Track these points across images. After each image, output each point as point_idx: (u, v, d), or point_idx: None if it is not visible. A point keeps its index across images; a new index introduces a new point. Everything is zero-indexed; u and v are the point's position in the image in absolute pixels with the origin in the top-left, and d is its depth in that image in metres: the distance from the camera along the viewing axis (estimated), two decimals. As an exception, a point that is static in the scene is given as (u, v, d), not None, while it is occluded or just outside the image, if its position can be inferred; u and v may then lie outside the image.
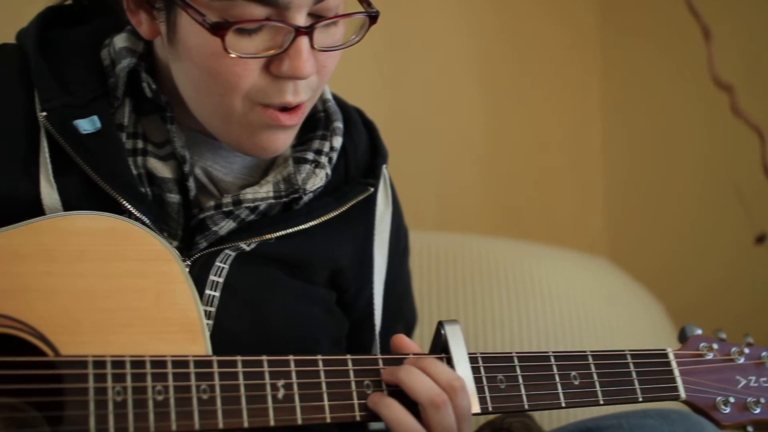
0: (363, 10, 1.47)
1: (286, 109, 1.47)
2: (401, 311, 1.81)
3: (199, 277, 1.49)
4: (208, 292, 1.50)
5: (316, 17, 1.42)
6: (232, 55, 1.37)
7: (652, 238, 3.26)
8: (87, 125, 1.47)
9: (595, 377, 1.54)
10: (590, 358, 1.55)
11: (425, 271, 2.39)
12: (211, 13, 1.37)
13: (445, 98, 3.15)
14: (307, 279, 1.62)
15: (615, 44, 3.29)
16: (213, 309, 1.50)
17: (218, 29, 1.36)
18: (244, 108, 1.45)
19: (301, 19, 1.40)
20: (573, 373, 1.53)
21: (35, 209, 1.43)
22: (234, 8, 1.36)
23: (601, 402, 1.54)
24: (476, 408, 1.45)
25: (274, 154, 1.54)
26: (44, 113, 1.46)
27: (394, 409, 1.39)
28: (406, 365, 1.42)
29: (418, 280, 1.94)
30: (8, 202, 1.43)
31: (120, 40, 1.54)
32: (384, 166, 1.72)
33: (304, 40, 1.40)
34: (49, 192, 1.44)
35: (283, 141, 1.51)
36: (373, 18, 1.46)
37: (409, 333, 1.86)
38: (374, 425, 1.47)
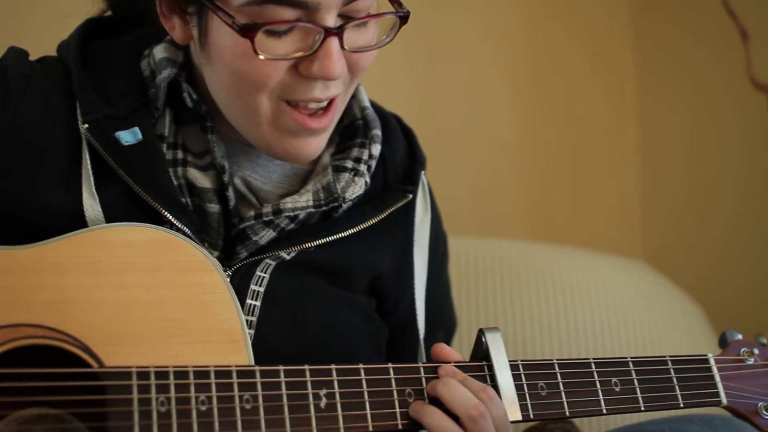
0: (393, 10, 1.46)
1: (315, 113, 1.47)
2: (441, 317, 1.81)
3: (240, 286, 1.50)
4: (248, 301, 1.51)
5: (346, 18, 1.42)
6: (262, 57, 1.38)
7: (690, 240, 3.24)
8: (128, 137, 1.48)
9: (636, 383, 1.54)
10: (631, 365, 1.55)
11: (463, 276, 2.39)
12: (241, 15, 1.37)
13: (477, 102, 3.14)
14: (347, 287, 1.62)
15: (651, 45, 3.28)
16: (254, 318, 1.51)
17: (248, 31, 1.36)
18: (272, 107, 1.45)
19: (331, 20, 1.40)
20: (614, 379, 1.52)
21: (78, 221, 1.44)
22: (264, 11, 1.37)
23: (643, 408, 1.53)
24: (517, 415, 1.45)
25: (307, 159, 1.54)
26: (86, 125, 1.47)
27: (436, 417, 1.39)
28: (445, 378, 1.42)
29: (456, 286, 1.94)
30: (52, 215, 1.44)
31: (159, 51, 1.55)
32: (422, 172, 1.72)
33: (334, 41, 1.40)
34: (91, 204, 1.45)
35: (315, 146, 1.51)
36: (403, 18, 1.46)
37: (448, 339, 1.86)
38: (417, 433, 1.48)
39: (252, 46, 1.37)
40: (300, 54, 1.40)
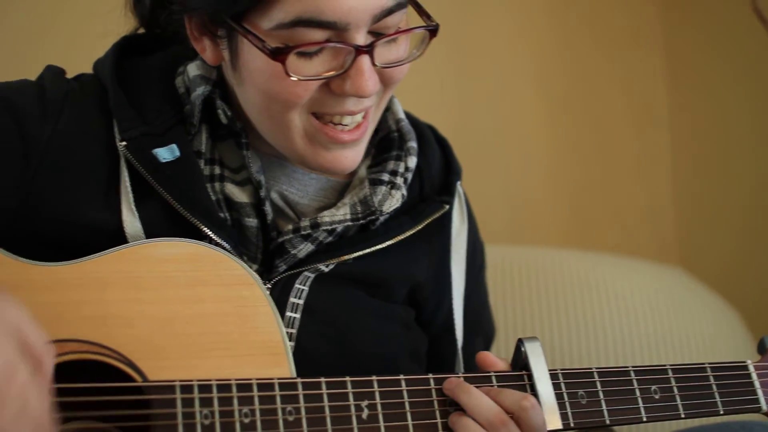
0: (423, 24, 1.47)
1: (345, 125, 1.48)
2: (480, 325, 1.82)
3: (280, 299, 1.51)
4: (288, 314, 1.52)
5: (376, 35, 1.43)
6: (294, 78, 1.39)
7: (724, 244, 3.22)
8: (166, 154, 1.49)
9: (676, 391, 1.53)
10: (670, 372, 1.55)
11: (499, 284, 2.39)
12: (271, 38, 1.39)
13: (509, 110, 3.14)
14: (386, 297, 1.63)
15: (681, 48, 3.27)
16: (294, 330, 1.52)
17: (278, 54, 1.38)
18: (303, 123, 1.47)
19: (361, 38, 1.40)
20: (653, 387, 1.52)
21: (118, 237, 1.45)
22: (294, 33, 1.38)
23: (683, 416, 1.53)
24: (558, 424, 1.45)
25: (344, 172, 1.55)
26: (124, 143, 1.48)
27: (471, 429, 1.40)
28: (467, 386, 1.42)
29: (492, 294, 1.94)
30: (92, 231, 1.45)
31: (193, 68, 1.57)
32: (458, 182, 1.72)
33: (365, 59, 1.41)
34: (131, 220, 1.47)
35: (352, 158, 1.52)
36: (433, 31, 1.47)
37: (488, 346, 1.87)
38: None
39: (284, 69, 1.38)
40: (331, 73, 1.41)
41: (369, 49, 1.41)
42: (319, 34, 1.38)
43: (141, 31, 1.67)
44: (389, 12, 1.40)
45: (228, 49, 1.46)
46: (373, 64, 1.42)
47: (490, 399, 1.41)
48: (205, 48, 1.50)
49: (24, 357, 1.14)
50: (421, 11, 1.48)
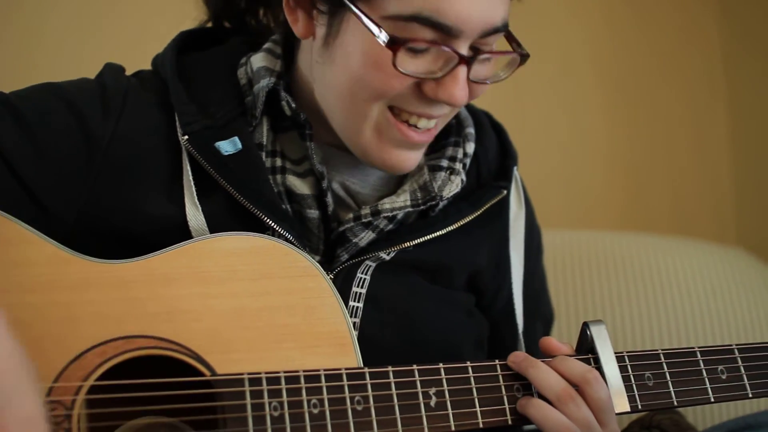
0: (513, 50, 1.50)
1: (418, 127, 1.50)
2: (538, 310, 1.82)
3: (342, 289, 1.52)
4: (351, 303, 1.52)
5: (475, 49, 1.45)
6: (401, 70, 1.40)
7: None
8: (228, 146, 1.50)
9: (743, 371, 1.52)
10: (736, 352, 1.54)
11: (559, 268, 2.38)
12: (383, 26, 1.40)
13: (565, 94, 3.13)
14: (447, 284, 1.63)
15: (737, 26, 3.23)
16: (357, 320, 1.52)
17: (393, 44, 1.39)
18: (379, 116, 1.48)
19: (464, 49, 1.42)
20: (720, 367, 1.51)
21: (182, 231, 1.47)
22: (407, 27, 1.39)
23: (750, 395, 1.52)
24: (626, 406, 1.44)
25: (401, 172, 1.56)
26: (186, 137, 1.49)
27: (540, 408, 1.39)
28: (535, 361, 1.43)
29: (551, 278, 1.94)
30: (157, 226, 1.47)
31: (257, 60, 1.57)
32: (515, 167, 1.72)
33: (463, 69, 1.43)
34: (194, 213, 1.47)
35: (413, 160, 1.54)
36: (523, 58, 1.50)
37: (547, 331, 1.87)
38: (527, 427, 1.48)
39: (393, 59, 1.39)
40: (429, 75, 1.43)
41: (471, 61, 1.43)
42: (429, 34, 1.40)
43: (209, 24, 1.70)
44: (495, 31, 1.44)
45: (327, 26, 1.47)
46: (467, 77, 1.44)
47: (558, 374, 1.41)
48: (297, 19, 1.51)
49: None
50: (512, 39, 1.51)
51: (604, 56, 3.16)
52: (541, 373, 1.41)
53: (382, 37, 1.38)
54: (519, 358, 1.43)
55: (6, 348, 1.10)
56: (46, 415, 1.11)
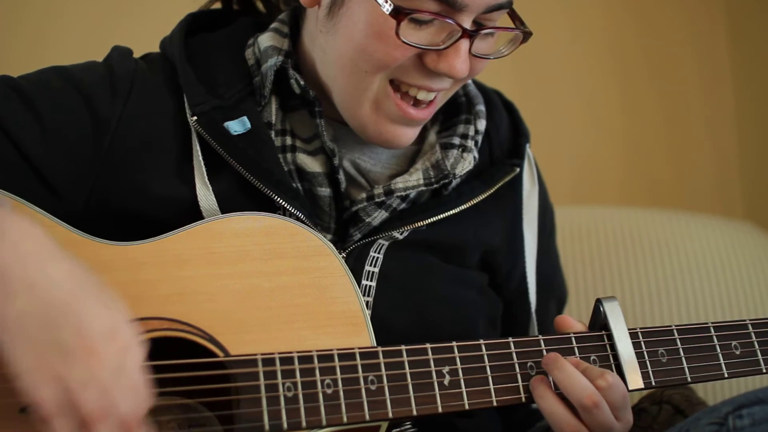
0: (515, 26, 1.51)
1: (417, 103, 1.49)
2: (552, 288, 1.81)
3: (355, 268, 1.51)
4: (364, 282, 1.52)
5: (478, 24, 1.45)
6: (404, 41, 1.40)
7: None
8: (237, 126, 1.50)
9: (757, 346, 1.52)
10: (750, 327, 1.53)
11: (568, 245, 2.37)
12: None
13: (574, 70, 3.12)
14: (460, 263, 1.63)
15: (744, 5, 3.22)
16: (370, 299, 1.52)
17: (398, 14, 1.39)
18: (379, 89, 1.48)
19: (468, 23, 1.43)
20: (734, 342, 1.51)
21: (193, 211, 1.46)
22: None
23: (764, 370, 1.52)
24: (639, 383, 1.44)
25: (398, 147, 1.56)
26: (195, 117, 1.49)
27: (549, 401, 1.39)
28: (562, 361, 1.41)
29: (563, 256, 1.93)
30: (168, 207, 1.46)
31: (265, 40, 1.57)
32: (527, 145, 1.72)
33: (465, 43, 1.43)
34: (205, 194, 1.47)
35: (410, 136, 1.54)
36: (526, 36, 1.50)
37: (560, 308, 1.86)
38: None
39: (396, 28, 1.39)
40: (431, 47, 1.43)
41: (473, 35, 1.43)
42: (433, 6, 1.41)
43: (217, 5, 1.70)
44: (499, 7, 1.44)
45: None
46: (469, 51, 1.44)
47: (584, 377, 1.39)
48: None
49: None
50: (515, 16, 1.52)
51: (613, 33, 3.15)
52: (566, 376, 1.38)
53: (387, 6, 1.39)
54: (549, 360, 1.41)
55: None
56: None
